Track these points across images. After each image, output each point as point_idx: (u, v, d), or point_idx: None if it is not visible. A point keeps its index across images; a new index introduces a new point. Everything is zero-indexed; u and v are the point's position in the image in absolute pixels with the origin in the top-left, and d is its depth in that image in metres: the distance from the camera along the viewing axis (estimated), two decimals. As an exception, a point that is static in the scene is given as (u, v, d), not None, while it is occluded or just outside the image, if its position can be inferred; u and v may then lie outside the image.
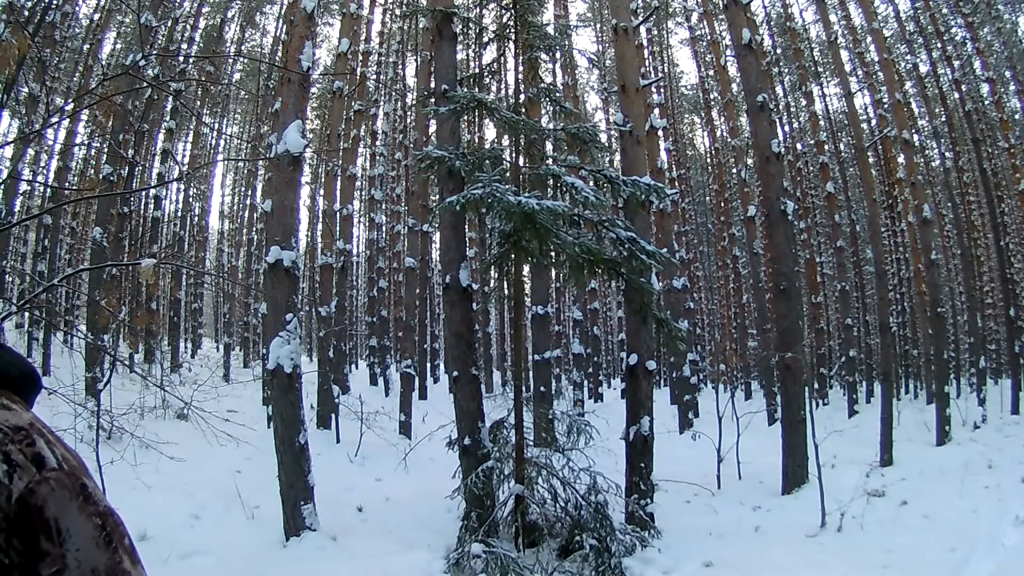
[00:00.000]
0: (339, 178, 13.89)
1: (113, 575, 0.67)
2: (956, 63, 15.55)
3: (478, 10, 10.39)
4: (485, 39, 7.12)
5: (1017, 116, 16.95)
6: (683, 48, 23.84)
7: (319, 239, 20.08)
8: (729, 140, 17.38)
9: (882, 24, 15.79)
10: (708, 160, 23.87)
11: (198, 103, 16.85)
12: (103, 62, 14.59)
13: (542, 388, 10.20)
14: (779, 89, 18.70)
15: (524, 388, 7.18)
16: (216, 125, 20.61)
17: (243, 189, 24.13)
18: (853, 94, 14.12)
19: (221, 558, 5.27)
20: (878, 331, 14.10)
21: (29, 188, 14.18)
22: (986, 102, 15.98)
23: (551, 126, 8.08)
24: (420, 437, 8.99)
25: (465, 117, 8.39)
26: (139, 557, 0.72)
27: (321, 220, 18.54)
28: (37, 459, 0.68)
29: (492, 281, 12.81)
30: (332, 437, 10.24)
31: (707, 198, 25.58)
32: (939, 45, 15.61)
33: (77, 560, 0.66)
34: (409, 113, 18.79)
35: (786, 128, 19.32)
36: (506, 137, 7.63)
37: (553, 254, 5.88)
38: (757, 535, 6.27)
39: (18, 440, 0.69)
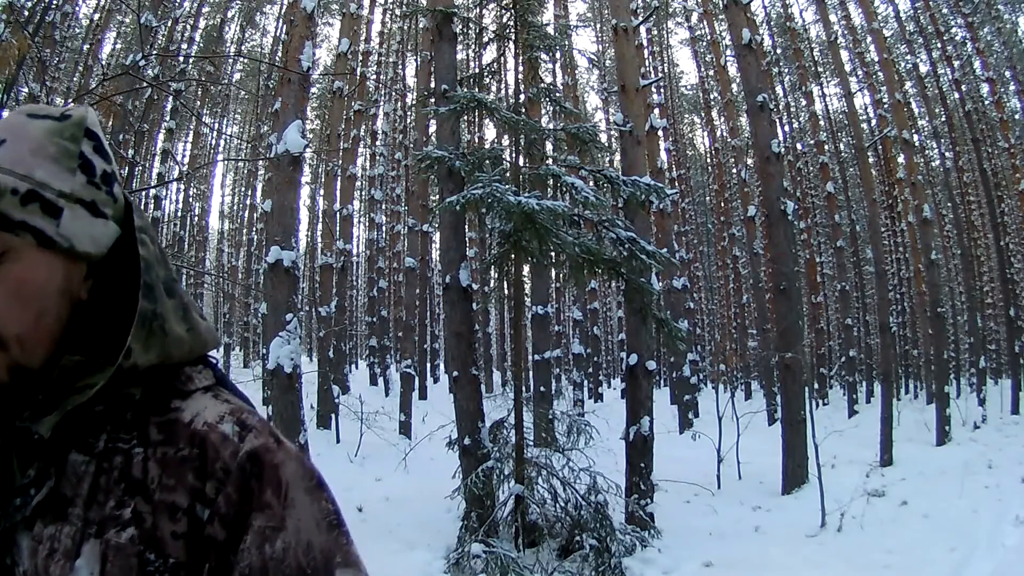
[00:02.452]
0: (339, 178, 13.91)
1: (332, 555, 0.62)
2: (956, 63, 15.56)
3: (478, 10, 10.38)
4: (485, 39, 7.13)
5: (1017, 116, 16.94)
6: (683, 48, 23.80)
7: (319, 239, 20.08)
8: (729, 140, 17.38)
9: (882, 24, 15.79)
10: (708, 160, 23.86)
11: (198, 103, 16.84)
12: (103, 62, 14.55)
13: (542, 388, 10.20)
14: (779, 89, 18.69)
15: (524, 388, 7.17)
16: (216, 125, 20.62)
17: (243, 189, 24.18)
18: (853, 94, 14.13)
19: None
20: (878, 331, 14.11)
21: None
22: (986, 102, 15.97)
23: (551, 126, 8.08)
24: (420, 437, 8.97)
25: (465, 117, 8.38)
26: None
27: (321, 220, 18.55)
28: (275, 435, 0.67)
29: (492, 281, 12.82)
30: (332, 437, 10.25)
31: (707, 198, 25.56)
32: (939, 45, 15.61)
33: (296, 528, 0.61)
34: (409, 113, 18.79)
35: (786, 128, 19.32)
36: (506, 137, 7.64)
37: (553, 254, 5.87)
38: (757, 535, 6.27)
39: (256, 419, 0.67)
